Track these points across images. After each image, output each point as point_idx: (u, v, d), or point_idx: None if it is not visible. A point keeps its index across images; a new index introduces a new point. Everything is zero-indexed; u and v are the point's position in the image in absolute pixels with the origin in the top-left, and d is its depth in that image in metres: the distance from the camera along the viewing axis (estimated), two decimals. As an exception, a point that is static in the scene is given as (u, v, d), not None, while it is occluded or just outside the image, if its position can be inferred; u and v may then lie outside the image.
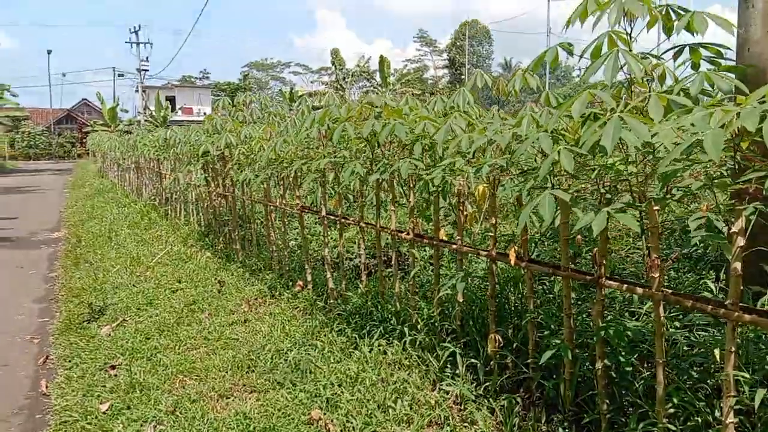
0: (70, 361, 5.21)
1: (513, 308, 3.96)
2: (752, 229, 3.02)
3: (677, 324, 3.44)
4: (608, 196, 2.64)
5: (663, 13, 3.34)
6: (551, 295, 4.11)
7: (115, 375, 4.88)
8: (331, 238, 6.37)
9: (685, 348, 3.15)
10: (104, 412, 4.24)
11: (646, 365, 3.07)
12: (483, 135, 3.14)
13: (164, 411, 4.12)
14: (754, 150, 2.31)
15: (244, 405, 4.06)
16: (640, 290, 2.61)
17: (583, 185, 2.74)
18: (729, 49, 3.62)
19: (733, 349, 2.27)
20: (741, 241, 2.18)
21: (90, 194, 19.08)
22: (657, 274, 2.50)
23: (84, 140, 46.81)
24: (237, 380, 4.48)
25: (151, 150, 11.64)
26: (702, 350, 2.97)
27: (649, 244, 2.49)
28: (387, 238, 4.92)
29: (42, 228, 13.39)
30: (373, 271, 5.83)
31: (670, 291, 2.52)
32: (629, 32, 3.41)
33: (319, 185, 5.39)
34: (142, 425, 3.99)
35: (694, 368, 2.88)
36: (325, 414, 3.70)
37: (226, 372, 4.62)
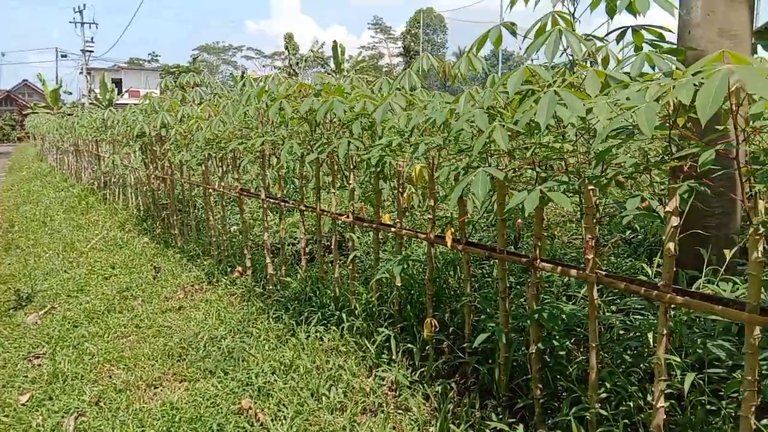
0: (-9, 351, 4.91)
1: (452, 293, 3.88)
2: (688, 212, 3.01)
3: (614, 308, 3.41)
4: (543, 175, 2.56)
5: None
6: (490, 279, 4.04)
7: (39, 365, 4.63)
8: (273, 222, 6.19)
9: (621, 332, 3.12)
10: (24, 404, 4.03)
11: (581, 350, 3.03)
12: (421, 113, 3.02)
13: (88, 402, 3.92)
14: (690, 128, 2.26)
15: (172, 395, 3.88)
16: (574, 272, 2.55)
17: (519, 165, 2.65)
18: (671, 32, 3.60)
19: (665, 331, 2.22)
20: (675, 221, 2.12)
21: (27, 178, 18.29)
22: (591, 256, 2.43)
23: (24, 123, 44.82)
24: (167, 369, 4.28)
25: (89, 132, 11.15)
26: (637, 334, 2.93)
27: (585, 225, 2.42)
28: (331, 223, 4.77)
29: (-27, 212, 12.73)
30: (315, 256, 5.68)
31: (604, 273, 2.46)
32: (572, 12, 3.36)
33: (260, 167, 5.19)
34: (63, 416, 3.79)
35: (628, 352, 2.85)
36: (255, 403, 3.54)
37: (156, 361, 4.42)
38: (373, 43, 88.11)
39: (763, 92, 1.60)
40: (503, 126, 2.38)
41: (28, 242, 8.88)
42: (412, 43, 77.29)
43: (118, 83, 53.47)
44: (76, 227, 9.52)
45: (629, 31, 3.48)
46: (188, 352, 4.45)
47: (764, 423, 2.16)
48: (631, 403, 2.58)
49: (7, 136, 52.80)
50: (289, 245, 5.98)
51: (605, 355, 2.83)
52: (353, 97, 3.87)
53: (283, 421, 3.33)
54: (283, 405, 3.48)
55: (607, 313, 3.20)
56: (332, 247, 4.57)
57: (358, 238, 4.78)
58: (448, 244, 3.05)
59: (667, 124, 2.11)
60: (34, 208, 11.81)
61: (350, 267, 4.24)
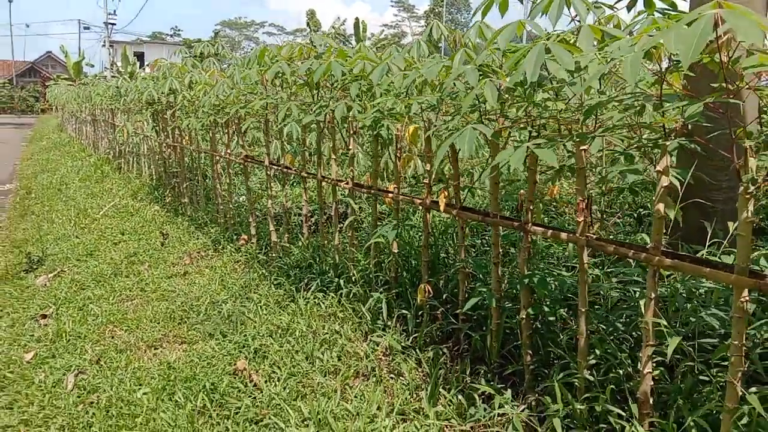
0: (1, 311, 5.01)
1: (449, 260, 3.84)
2: (693, 186, 2.93)
3: (614, 280, 3.34)
4: (535, 135, 2.50)
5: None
6: (489, 248, 3.99)
7: (45, 325, 4.72)
8: (279, 192, 6.18)
9: (618, 303, 3.05)
10: (28, 361, 4.13)
11: (574, 318, 2.98)
12: (417, 72, 2.96)
13: (89, 360, 4.00)
14: (686, 86, 2.18)
15: (171, 355, 3.92)
16: (564, 235, 2.49)
17: (512, 125, 2.59)
18: (684, 0, 3.48)
19: (653, 295, 2.17)
20: (665, 181, 2.05)
21: (47, 148, 18.50)
22: (582, 218, 2.37)
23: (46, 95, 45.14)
24: (168, 331, 4.32)
25: (105, 100, 11.20)
26: (632, 304, 2.87)
27: (576, 187, 2.36)
28: (341, 191, 4.72)
29: (-7, 180, 12.93)
30: (318, 225, 5.67)
31: (594, 236, 2.40)
32: None
33: (263, 133, 5.16)
34: (64, 374, 3.86)
35: (621, 320, 2.79)
36: (250, 364, 3.56)
37: (158, 323, 4.46)
38: (395, 21, 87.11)
39: (754, 37, 1.52)
40: (493, 81, 2.31)
41: (43, 209, 9.00)
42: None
43: (140, 57, 53.45)
44: (90, 195, 9.61)
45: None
46: (189, 316, 4.49)
47: (753, 391, 2.10)
48: (621, 371, 2.53)
49: (31, 108, 53.22)
50: (295, 215, 5.97)
51: (598, 324, 2.78)
52: (353, 60, 3.81)
53: (276, 382, 3.34)
54: (277, 367, 3.49)
55: (605, 284, 3.13)
56: (333, 215, 4.54)
57: (360, 209, 4.74)
58: (441, 207, 3.00)
59: (662, 82, 2.03)
60: (51, 176, 11.96)
61: (349, 234, 4.21)
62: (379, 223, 4.05)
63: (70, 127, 21.66)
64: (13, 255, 6.72)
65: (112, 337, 4.35)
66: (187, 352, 3.94)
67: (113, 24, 49.43)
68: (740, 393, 1.97)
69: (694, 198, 3.34)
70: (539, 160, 2.31)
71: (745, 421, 2.03)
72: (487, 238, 4.29)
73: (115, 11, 50.60)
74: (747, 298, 1.89)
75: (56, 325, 4.58)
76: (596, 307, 2.97)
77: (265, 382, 3.39)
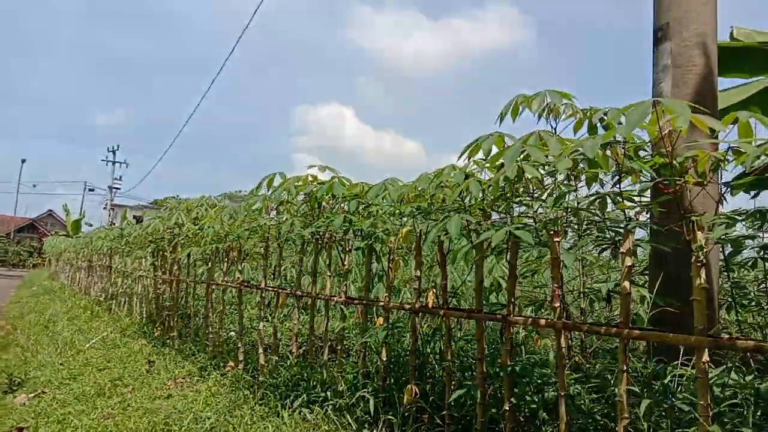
0: (-27, 429, 4.92)
1: (437, 367, 3.94)
2: (668, 275, 3.17)
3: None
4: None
5: (587, 114, 3.72)
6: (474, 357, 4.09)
7: (20, 437, 4.63)
8: (273, 319, 6.31)
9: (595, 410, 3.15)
10: (-3, 472, 4.01)
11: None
12: (411, 186, 3.34)
13: (63, 469, 3.89)
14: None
15: (149, 465, 3.84)
16: (543, 322, 2.70)
17: (493, 221, 2.90)
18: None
19: (625, 368, 2.34)
20: (629, 261, 2.32)
21: (37, 293, 18.51)
22: (558, 304, 2.60)
23: (42, 250, 45.67)
24: (148, 444, 4.26)
25: (106, 242, 11.55)
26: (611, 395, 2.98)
27: (551, 275, 2.62)
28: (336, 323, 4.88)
29: (-21, 321, 12.83)
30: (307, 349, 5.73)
31: (569, 321, 2.61)
32: (554, 128, 3.78)
33: (262, 257, 5.45)
34: (35, 481, 3.75)
35: (598, 416, 2.88)
36: (231, 468, 3.51)
37: (138, 436, 4.39)
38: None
39: (685, 123, 1.90)
40: (477, 180, 2.67)
41: (29, 342, 8.94)
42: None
43: (139, 220, 54.95)
44: (78, 331, 9.58)
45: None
46: (171, 429, 4.43)
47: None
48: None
49: (23, 262, 53.50)
50: (285, 345, 6.04)
51: (578, 419, 2.87)
52: (354, 185, 4.23)
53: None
54: (258, 471, 3.45)
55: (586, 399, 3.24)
56: (325, 330, 4.68)
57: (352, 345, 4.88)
58: (429, 304, 3.22)
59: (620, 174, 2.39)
60: (39, 316, 11.92)
61: (338, 348, 4.33)
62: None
63: (63, 275, 21.88)
64: (-7, 380, 6.62)
65: (90, 449, 4.27)
66: (167, 461, 3.87)
67: (118, 188, 51.51)
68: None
69: (667, 287, 3.48)
70: (519, 245, 2.59)
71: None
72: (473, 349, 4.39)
73: (120, 177, 52.87)
74: (707, 358, 2.08)
75: (33, 436, 4.50)
76: (578, 417, 3.05)
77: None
